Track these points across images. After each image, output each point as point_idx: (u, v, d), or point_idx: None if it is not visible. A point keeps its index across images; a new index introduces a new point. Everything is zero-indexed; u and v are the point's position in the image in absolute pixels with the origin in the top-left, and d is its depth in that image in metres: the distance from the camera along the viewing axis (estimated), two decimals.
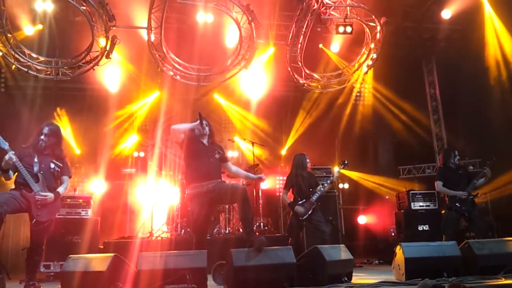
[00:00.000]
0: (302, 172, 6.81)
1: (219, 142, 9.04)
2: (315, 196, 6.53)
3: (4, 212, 4.68)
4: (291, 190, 6.82)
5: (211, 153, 5.17)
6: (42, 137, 5.15)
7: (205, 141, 5.21)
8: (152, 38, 8.89)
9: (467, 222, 6.66)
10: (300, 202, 6.54)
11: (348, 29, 9.07)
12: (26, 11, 8.53)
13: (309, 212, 6.47)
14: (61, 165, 5.29)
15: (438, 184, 6.66)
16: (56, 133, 5.29)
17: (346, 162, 6.98)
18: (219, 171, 5.23)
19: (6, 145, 4.91)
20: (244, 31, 9.10)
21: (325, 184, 6.68)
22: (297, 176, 6.79)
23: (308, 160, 6.88)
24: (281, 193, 10.09)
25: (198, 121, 5.08)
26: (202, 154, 5.10)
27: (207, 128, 5.21)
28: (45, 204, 5.01)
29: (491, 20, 9.46)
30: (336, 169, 9.62)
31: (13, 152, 4.89)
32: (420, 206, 8.26)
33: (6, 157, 4.85)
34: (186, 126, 5.17)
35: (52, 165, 5.20)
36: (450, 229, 6.49)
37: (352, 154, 9.97)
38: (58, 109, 9.81)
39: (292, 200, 6.73)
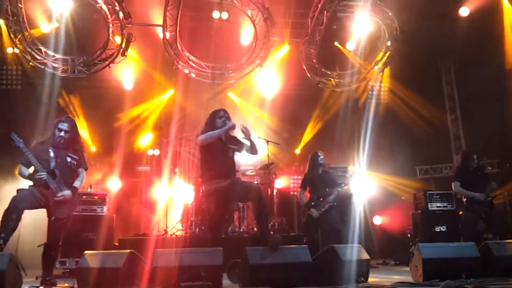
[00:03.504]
0: (316, 171, 6.78)
1: None
2: (332, 197, 6.49)
3: (22, 208, 4.71)
4: (307, 189, 6.79)
5: (227, 150, 5.15)
6: (62, 134, 5.14)
7: (222, 136, 5.14)
8: (167, 35, 8.92)
9: (485, 224, 6.57)
10: (315, 203, 6.51)
11: (364, 27, 8.99)
12: (42, 8, 8.59)
13: (324, 211, 6.44)
14: (77, 158, 5.28)
15: (456, 185, 6.57)
16: (74, 128, 5.29)
17: (360, 163, 6.96)
18: (234, 168, 5.22)
19: (21, 144, 4.94)
20: (259, 28, 9.08)
21: (342, 185, 6.64)
22: (312, 176, 6.77)
23: (321, 157, 6.83)
24: (295, 192, 10.07)
25: (228, 125, 5.04)
26: (219, 151, 5.07)
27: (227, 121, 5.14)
28: (63, 201, 5.03)
29: (511, 18, 9.29)
30: (351, 168, 9.57)
31: (46, 174, 4.89)
32: (437, 207, 8.11)
33: (37, 176, 4.87)
34: (218, 133, 5.05)
35: (69, 159, 5.18)
36: (468, 231, 6.40)
37: (368, 154, 9.85)
38: (73, 106, 9.86)
39: (308, 199, 6.70)
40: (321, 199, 6.57)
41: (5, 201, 4.76)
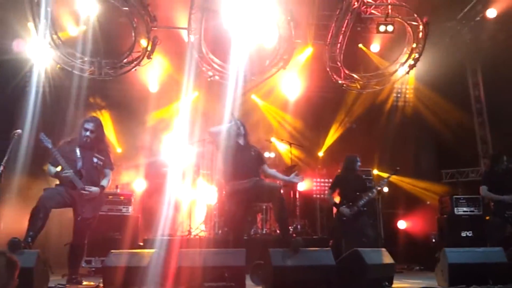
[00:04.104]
0: (349, 175, 6.75)
1: (256, 142, 9.11)
2: (362, 201, 6.46)
3: (49, 207, 4.81)
4: (337, 191, 6.77)
5: (247, 151, 5.24)
6: (88, 133, 5.23)
7: (241, 141, 5.30)
8: (192, 38, 8.99)
9: None
10: (345, 206, 6.49)
11: (389, 28, 8.90)
12: (70, 12, 8.78)
13: (354, 214, 6.40)
14: (103, 158, 5.36)
15: (483, 189, 6.43)
16: (99, 128, 5.37)
17: (398, 169, 6.87)
18: (256, 169, 5.26)
19: (49, 144, 5.05)
20: (282, 31, 9.07)
21: (374, 191, 6.59)
22: (344, 178, 6.74)
23: (359, 163, 6.80)
24: (318, 195, 10.02)
25: (232, 122, 5.20)
26: (238, 152, 5.16)
27: (242, 128, 5.31)
28: (89, 199, 5.11)
29: None
30: (371, 173, 9.45)
31: (72, 172, 5.00)
32: (463, 211, 8.00)
33: (63, 173, 4.99)
34: (222, 128, 5.29)
35: (95, 160, 5.27)
36: (495, 236, 6.27)
37: (392, 157, 9.74)
38: (99, 108, 10.04)
39: (339, 201, 6.68)
40: (351, 203, 6.53)
41: (34, 200, 4.89)
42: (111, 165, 5.54)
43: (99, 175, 5.36)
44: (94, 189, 5.15)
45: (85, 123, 5.30)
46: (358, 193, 6.54)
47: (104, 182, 5.36)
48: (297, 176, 5.39)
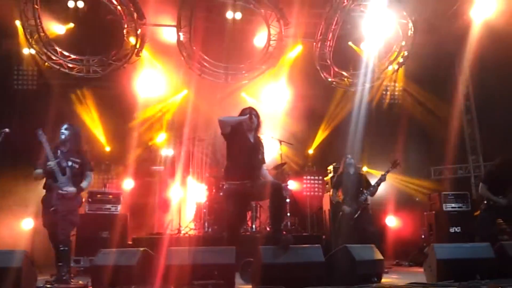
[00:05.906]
0: (347, 172, 6.91)
1: None
2: (363, 196, 6.62)
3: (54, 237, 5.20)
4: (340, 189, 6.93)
5: (256, 152, 5.02)
6: (62, 130, 5.43)
7: (251, 136, 5.04)
8: (181, 36, 8.97)
9: (506, 224, 6.47)
10: (346, 203, 6.66)
11: (379, 26, 8.94)
12: (57, 9, 8.71)
13: (355, 209, 6.57)
14: (79, 161, 5.48)
15: (483, 187, 6.38)
16: (73, 130, 5.55)
17: (398, 162, 6.90)
18: (260, 171, 5.10)
19: (43, 138, 5.23)
20: (272, 28, 9.07)
21: (371, 188, 6.69)
22: (342, 177, 6.93)
23: (349, 159, 6.98)
24: (308, 193, 10.05)
25: (247, 116, 4.95)
26: (246, 151, 4.94)
27: (255, 121, 5.02)
28: (65, 196, 5.21)
29: None
30: (361, 170, 9.46)
31: (55, 163, 5.17)
32: (452, 207, 8.08)
33: (47, 164, 5.16)
34: (235, 119, 5.02)
35: (70, 163, 5.38)
36: (484, 231, 6.28)
37: (381, 154, 9.76)
38: (87, 107, 9.94)
39: (341, 200, 6.83)
40: (352, 200, 6.69)
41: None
42: (90, 166, 5.68)
43: (78, 177, 5.47)
44: (71, 189, 5.27)
45: (61, 128, 5.50)
46: (360, 189, 6.72)
47: (83, 184, 5.49)
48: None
